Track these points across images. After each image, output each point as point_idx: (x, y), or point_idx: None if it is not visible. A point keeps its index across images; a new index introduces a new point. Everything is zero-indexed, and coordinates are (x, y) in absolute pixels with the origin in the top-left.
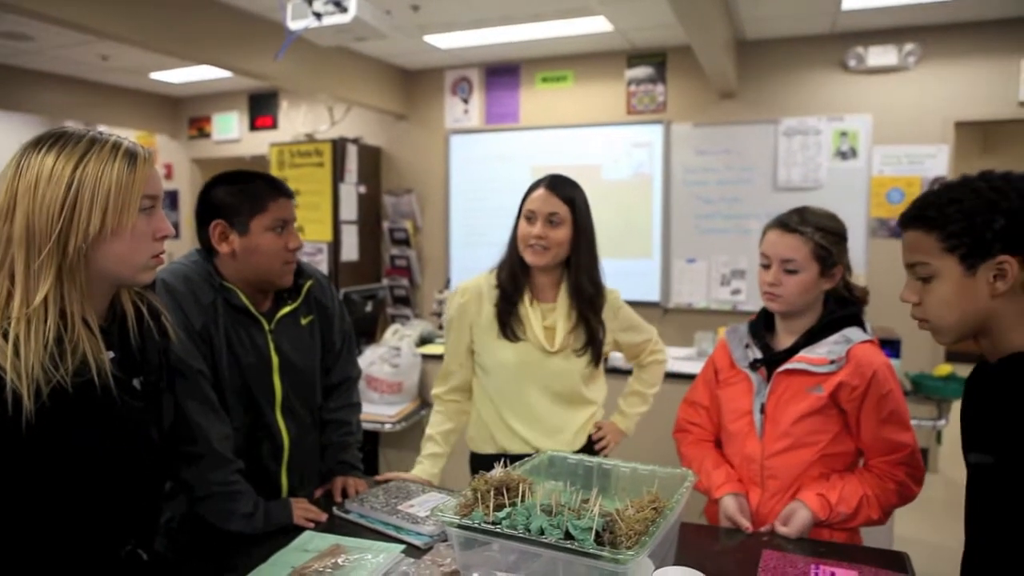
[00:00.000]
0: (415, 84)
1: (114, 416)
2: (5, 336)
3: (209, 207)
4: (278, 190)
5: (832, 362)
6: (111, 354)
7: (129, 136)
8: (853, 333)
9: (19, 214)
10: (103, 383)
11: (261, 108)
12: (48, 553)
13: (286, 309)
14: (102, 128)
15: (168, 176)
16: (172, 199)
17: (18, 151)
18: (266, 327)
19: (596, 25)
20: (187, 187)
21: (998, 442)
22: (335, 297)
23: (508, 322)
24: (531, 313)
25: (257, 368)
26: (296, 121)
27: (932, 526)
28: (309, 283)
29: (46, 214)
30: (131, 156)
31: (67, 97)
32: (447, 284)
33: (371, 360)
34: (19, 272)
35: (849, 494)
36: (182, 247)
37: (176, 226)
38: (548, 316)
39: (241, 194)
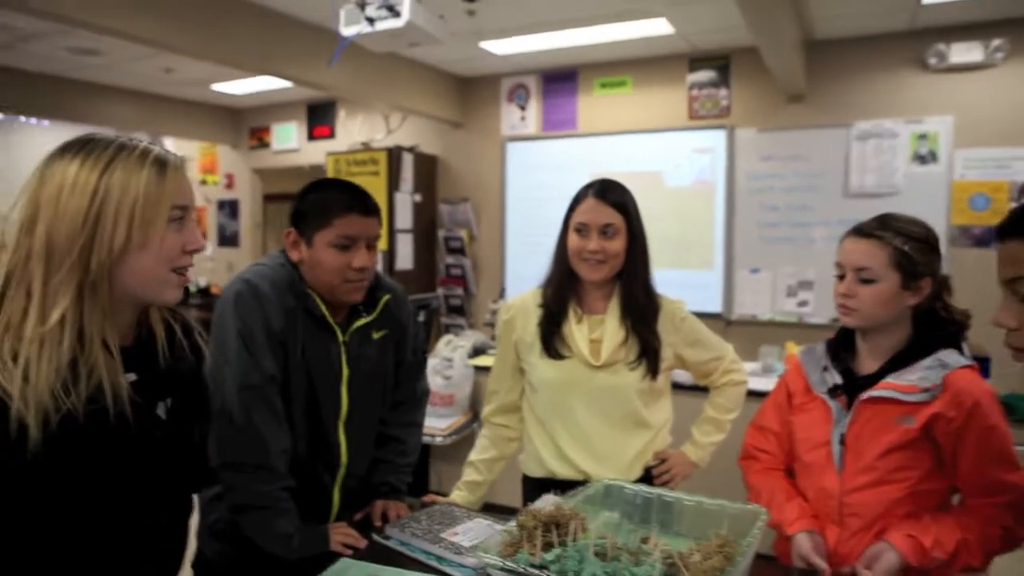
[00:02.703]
0: (471, 91)
1: (129, 445)
2: (15, 359)
3: (294, 212)
4: (349, 206)
5: (925, 390)
6: (132, 376)
7: (192, 147)
8: (949, 357)
9: (40, 226)
10: (119, 410)
11: (319, 118)
12: None
13: (361, 322)
14: (167, 140)
15: (229, 186)
16: (232, 208)
17: (43, 159)
18: (340, 338)
19: (656, 28)
20: (247, 197)
21: None
22: (411, 313)
23: (552, 341)
24: (576, 331)
25: (326, 379)
26: (353, 130)
27: None
28: (387, 297)
29: (68, 226)
30: (160, 164)
31: (133, 109)
32: (502, 294)
33: None
34: (36, 288)
35: (946, 538)
36: (242, 257)
37: (235, 235)
38: (596, 329)
39: (312, 205)
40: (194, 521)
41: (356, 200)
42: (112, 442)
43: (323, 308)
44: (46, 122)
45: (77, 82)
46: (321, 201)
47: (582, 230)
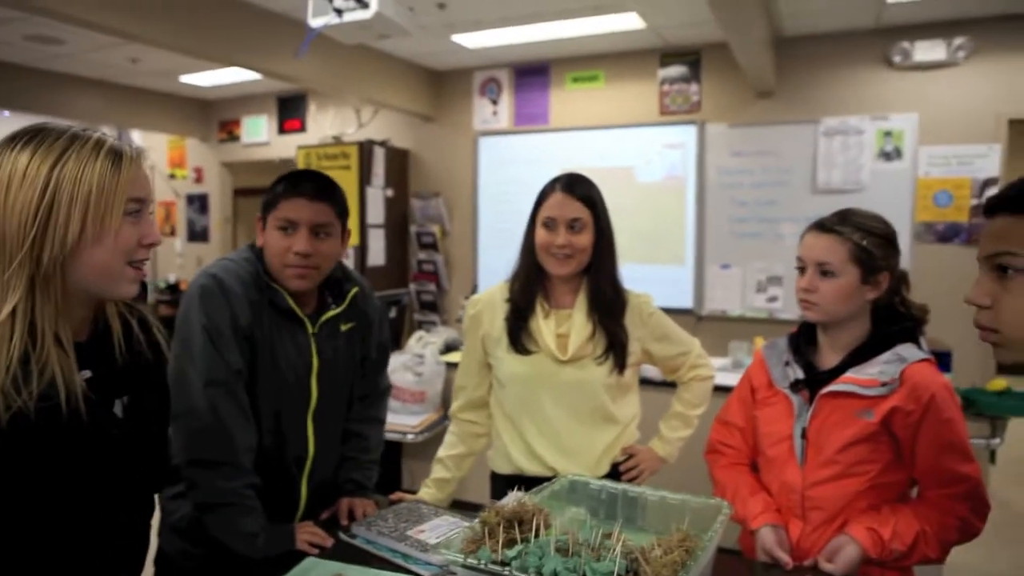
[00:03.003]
0: (443, 85)
1: (84, 443)
2: None
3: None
4: (296, 190)
5: (884, 384)
6: (87, 373)
7: (160, 140)
8: (907, 351)
9: None
10: (72, 408)
11: (290, 111)
12: None
13: (330, 314)
14: (134, 133)
15: (199, 180)
16: (202, 203)
17: None
18: (310, 329)
19: (628, 22)
20: (217, 191)
21: None
22: (377, 308)
23: (518, 336)
24: (543, 325)
25: (296, 370)
26: (324, 124)
27: (985, 552)
28: (355, 290)
29: (18, 219)
30: (115, 155)
31: (99, 101)
32: (474, 289)
33: (393, 368)
34: None
35: (904, 529)
36: (211, 252)
37: (206, 230)
38: (563, 323)
39: (271, 189)
40: (155, 518)
41: (304, 184)
42: (65, 440)
43: (290, 301)
44: (6, 113)
45: (39, 71)
46: (276, 186)
47: (550, 224)
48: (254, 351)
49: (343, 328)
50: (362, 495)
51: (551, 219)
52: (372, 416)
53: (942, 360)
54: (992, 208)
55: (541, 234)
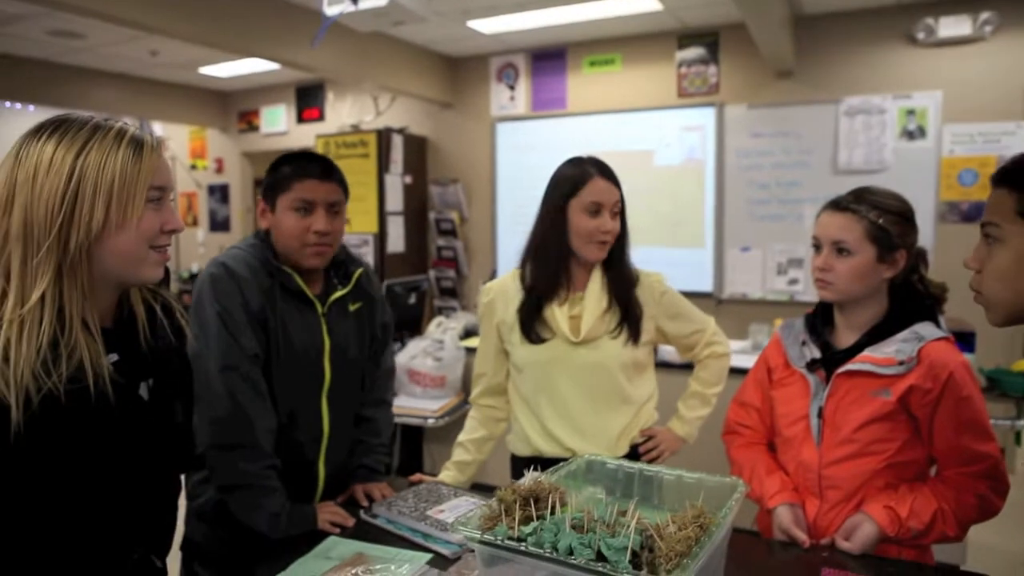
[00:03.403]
0: (460, 71)
1: (111, 425)
2: None
3: (264, 184)
4: (307, 171)
5: (901, 363)
6: (114, 356)
7: (181, 131)
8: (925, 329)
9: (17, 207)
10: (99, 390)
11: (308, 100)
12: (48, 560)
13: (338, 294)
14: (155, 124)
15: (219, 170)
16: (223, 193)
17: (18, 140)
18: (319, 310)
19: (645, 4)
20: (237, 181)
21: None
22: (380, 288)
23: (532, 326)
24: (557, 312)
25: (308, 351)
26: (342, 112)
27: (1009, 533)
28: (360, 271)
29: (45, 207)
30: (137, 144)
31: (120, 94)
32: (493, 275)
33: (413, 353)
34: (15, 270)
35: (921, 508)
36: (233, 242)
37: (227, 220)
38: (576, 306)
39: (276, 172)
40: (181, 504)
41: (313, 165)
42: (94, 422)
43: (300, 282)
44: (31, 107)
45: (61, 66)
46: (283, 169)
47: (596, 211)
48: (268, 335)
49: (351, 308)
50: (374, 479)
51: (599, 204)
52: (378, 398)
53: (966, 340)
54: (993, 179)
55: (585, 220)
